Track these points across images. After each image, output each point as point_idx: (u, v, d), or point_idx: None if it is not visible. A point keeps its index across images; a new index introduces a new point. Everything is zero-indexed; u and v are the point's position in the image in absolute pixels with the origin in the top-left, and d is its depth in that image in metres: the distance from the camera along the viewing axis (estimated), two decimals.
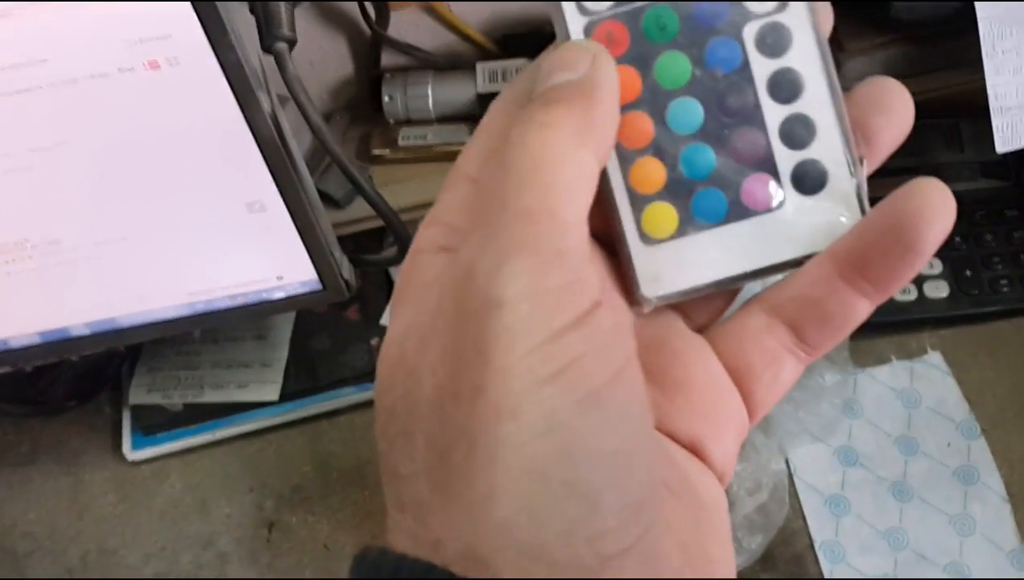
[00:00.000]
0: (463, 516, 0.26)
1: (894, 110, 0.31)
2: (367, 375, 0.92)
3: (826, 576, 0.77)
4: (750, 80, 0.31)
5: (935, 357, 0.89)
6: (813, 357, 0.32)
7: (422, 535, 0.27)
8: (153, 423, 0.92)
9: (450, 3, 0.91)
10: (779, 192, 0.32)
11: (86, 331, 0.78)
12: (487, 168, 0.29)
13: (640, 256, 0.32)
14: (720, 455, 0.33)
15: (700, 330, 0.34)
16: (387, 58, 0.94)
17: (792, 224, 0.32)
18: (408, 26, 0.92)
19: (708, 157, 0.32)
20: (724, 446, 0.33)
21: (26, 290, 0.73)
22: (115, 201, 0.68)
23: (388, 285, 0.98)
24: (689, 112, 0.32)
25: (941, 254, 0.93)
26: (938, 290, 0.91)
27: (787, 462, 0.84)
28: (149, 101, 0.62)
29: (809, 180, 0.32)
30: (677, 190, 0.32)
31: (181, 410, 0.92)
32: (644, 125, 0.32)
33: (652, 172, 0.32)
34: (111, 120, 0.63)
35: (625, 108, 0.31)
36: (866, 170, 0.32)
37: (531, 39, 0.93)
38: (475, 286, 0.26)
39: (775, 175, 0.32)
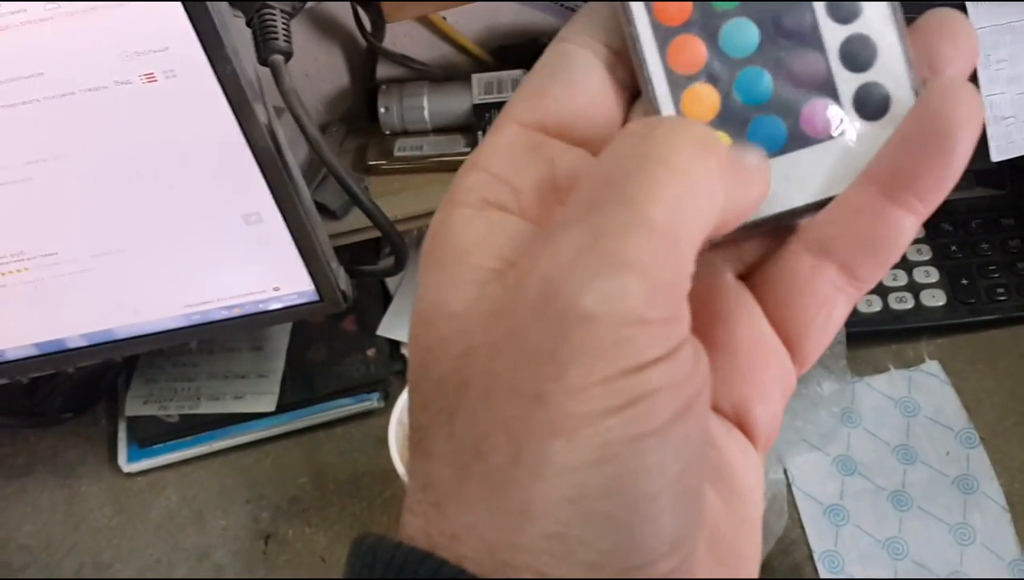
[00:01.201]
0: (492, 520, 0.25)
1: (961, 39, 0.30)
2: (364, 386, 0.92)
3: None
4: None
5: (933, 366, 0.89)
6: (862, 292, 0.30)
7: (438, 522, 0.26)
8: (149, 435, 0.91)
9: (445, 15, 0.91)
10: (840, 118, 0.30)
11: (82, 342, 0.78)
12: (613, 151, 0.26)
13: None
14: (765, 419, 0.31)
15: (743, 277, 0.32)
16: (383, 69, 0.94)
17: (854, 151, 0.30)
18: (403, 38, 0.92)
19: (765, 82, 0.30)
20: (770, 409, 0.31)
21: (23, 302, 0.73)
22: (112, 213, 0.68)
23: (385, 296, 0.97)
24: (744, 34, 0.30)
25: (937, 262, 0.93)
26: (935, 299, 0.91)
27: (785, 471, 0.84)
28: (146, 114, 0.62)
29: (871, 104, 0.30)
30: (732, 118, 0.30)
31: (177, 421, 0.92)
32: (696, 49, 0.30)
33: (705, 99, 0.30)
34: (108, 133, 0.63)
35: (676, 31, 0.30)
36: None
37: (526, 50, 0.93)
38: (569, 287, 0.24)
39: (836, 99, 0.30)
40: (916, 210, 0.29)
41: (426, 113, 0.90)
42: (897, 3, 0.30)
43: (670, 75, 0.30)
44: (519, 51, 0.94)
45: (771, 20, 0.30)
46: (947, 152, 0.28)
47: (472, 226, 0.28)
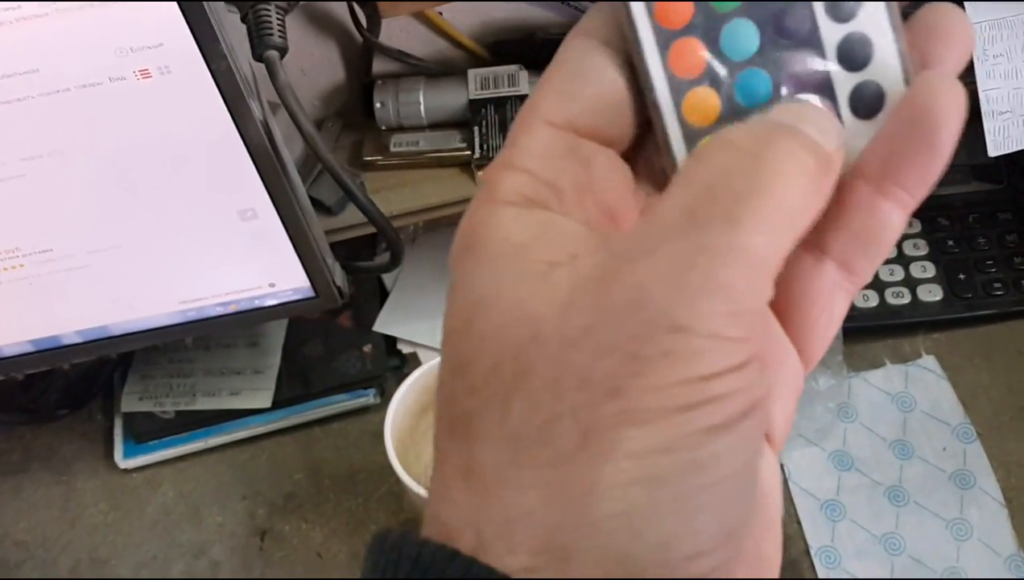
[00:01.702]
0: (552, 503, 0.25)
1: (954, 35, 0.30)
2: (360, 382, 0.92)
3: None
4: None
5: (929, 361, 0.89)
6: (858, 287, 0.31)
7: (485, 510, 0.26)
8: (145, 431, 0.91)
9: (441, 10, 0.91)
10: (837, 117, 0.30)
11: (78, 339, 0.78)
12: (718, 162, 0.27)
13: None
14: (781, 420, 0.32)
15: None
16: (378, 64, 0.94)
17: (848, 149, 0.29)
18: (399, 33, 0.92)
19: (765, 83, 0.30)
20: (785, 410, 0.32)
21: (18, 298, 0.73)
22: (107, 209, 0.68)
23: (381, 291, 0.97)
24: (745, 35, 0.29)
25: (934, 257, 0.93)
26: (932, 294, 0.91)
27: (782, 467, 0.84)
28: (140, 110, 0.62)
29: (866, 103, 0.30)
30: (732, 120, 0.30)
31: (173, 418, 0.91)
32: (697, 52, 0.30)
33: (707, 103, 0.30)
34: (103, 129, 0.63)
35: (677, 34, 0.29)
36: None
37: (522, 45, 0.93)
38: (664, 298, 0.25)
39: (832, 99, 0.30)
40: (904, 203, 0.29)
41: (422, 108, 0.89)
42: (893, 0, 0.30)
43: (672, 80, 0.30)
44: (515, 46, 0.93)
45: (771, 20, 0.29)
46: (932, 145, 0.28)
47: (523, 223, 0.28)
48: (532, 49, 0.91)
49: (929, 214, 0.96)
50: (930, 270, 0.93)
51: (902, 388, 0.88)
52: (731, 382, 0.25)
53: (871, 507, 0.81)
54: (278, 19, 0.68)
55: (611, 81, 0.30)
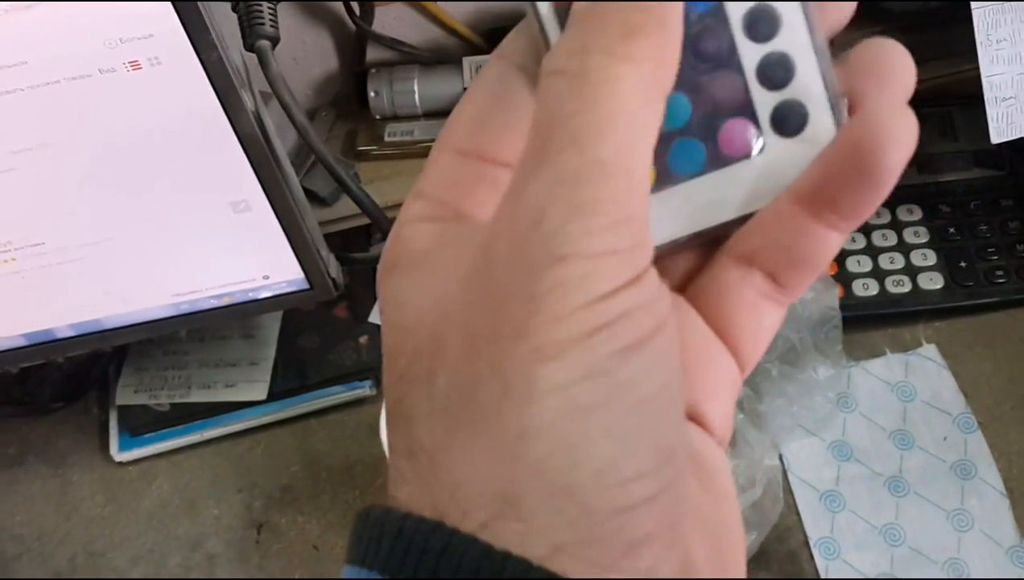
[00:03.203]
0: (491, 455, 0.26)
1: (889, 73, 0.29)
2: (356, 373, 0.91)
3: (821, 573, 0.77)
4: (724, 20, 0.29)
5: (930, 350, 0.89)
6: (791, 299, 0.31)
7: (434, 481, 0.26)
8: (140, 424, 0.91)
9: None
10: (758, 137, 0.30)
11: (71, 332, 0.78)
12: (550, 94, 0.26)
13: None
14: (719, 419, 0.32)
15: (680, 289, 0.33)
16: (372, 53, 0.93)
17: (773, 168, 0.30)
18: (393, 21, 0.91)
19: (683, 106, 0.30)
20: (721, 409, 0.32)
21: (10, 292, 0.73)
22: (99, 202, 0.68)
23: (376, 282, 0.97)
24: None
25: (935, 245, 0.93)
26: (933, 282, 0.90)
27: (781, 458, 0.83)
28: (131, 102, 0.62)
29: (789, 121, 0.30)
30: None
31: (168, 410, 0.91)
32: None
33: None
34: (93, 121, 0.63)
35: None
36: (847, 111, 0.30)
37: None
38: (540, 233, 0.25)
39: (753, 119, 0.30)
40: (838, 227, 0.29)
41: (416, 97, 0.89)
42: (814, 16, 0.29)
43: None
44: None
45: (689, 44, 0.29)
46: (871, 178, 0.27)
47: (425, 233, 0.30)
48: None
49: (930, 201, 0.95)
50: (931, 258, 0.92)
51: (902, 377, 0.87)
52: (630, 298, 0.26)
53: (871, 498, 0.81)
54: (269, 8, 0.68)
55: (521, 108, 0.30)
